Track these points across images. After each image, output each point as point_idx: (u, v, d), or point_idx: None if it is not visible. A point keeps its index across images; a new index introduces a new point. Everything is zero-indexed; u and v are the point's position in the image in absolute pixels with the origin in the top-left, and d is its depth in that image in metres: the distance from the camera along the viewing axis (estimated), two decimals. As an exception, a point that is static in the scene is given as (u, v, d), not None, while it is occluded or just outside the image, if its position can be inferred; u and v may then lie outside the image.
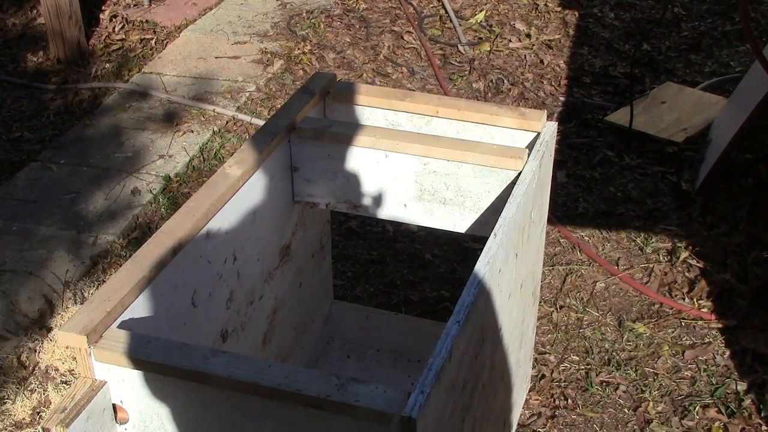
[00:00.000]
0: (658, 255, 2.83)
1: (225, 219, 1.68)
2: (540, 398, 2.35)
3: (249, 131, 3.51)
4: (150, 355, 1.31)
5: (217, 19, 4.38)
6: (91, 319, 1.35)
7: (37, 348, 2.48)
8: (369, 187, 1.90)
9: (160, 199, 3.10)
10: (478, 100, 3.69)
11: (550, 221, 2.83)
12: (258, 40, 4.18)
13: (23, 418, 2.30)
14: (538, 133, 1.85)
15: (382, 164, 1.85)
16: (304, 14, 4.38)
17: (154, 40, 4.19)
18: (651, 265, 2.79)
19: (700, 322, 2.58)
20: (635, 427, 2.27)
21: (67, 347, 2.41)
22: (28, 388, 2.37)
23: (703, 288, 2.68)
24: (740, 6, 2.74)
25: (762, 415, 2.27)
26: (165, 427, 1.39)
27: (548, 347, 2.51)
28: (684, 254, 2.81)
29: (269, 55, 4.03)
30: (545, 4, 4.43)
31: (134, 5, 4.48)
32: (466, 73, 3.90)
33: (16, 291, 2.64)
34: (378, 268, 2.82)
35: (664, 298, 2.66)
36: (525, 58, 4.01)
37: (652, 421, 2.28)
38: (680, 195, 3.10)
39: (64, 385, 2.38)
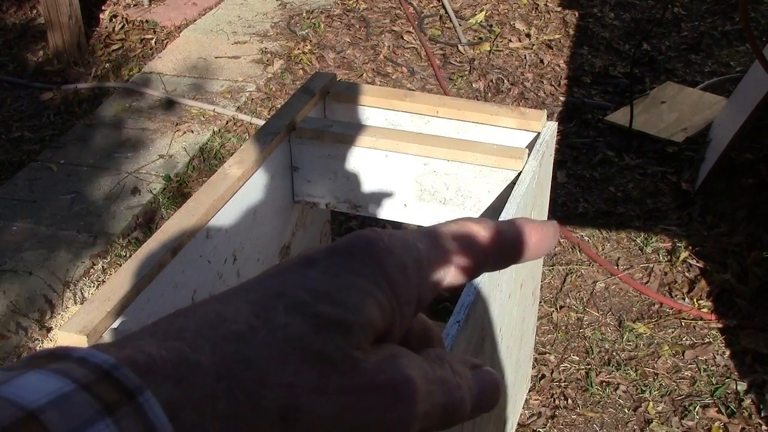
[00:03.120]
0: (658, 255, 2.83)
1: (225, 219, 1.68)
2: (540, 398, 2.35)
3: (249, 131, 3.51)
4: (150, 355, 1.31)
5: (217, 19, 4.38)
6: (91, 319, 1.35)
7: (37, 348, 2.48)
8: (369, 187, 1.90)
9: (160, 199, 3.10)
10: (478, 100, 3.69)
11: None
12: (258, 40, 4.18)
13: (23, 418, 2.30)
14: (538, 133, 1.85)
15: (382, 164, 1.85)
16: (304, 14, 4.38)
17: (154, 40, 4.19)
18: (651, 265, 2.79)
19: (700, 322, 2.58)
20: (635, 427, 2.27)
21: (67, 347, 2.40)
22: (28, 388, 2.37)
23: (703, 288, 2.68)
24: (740, 6, 2.74)
25: (762, 415, 2.27)
26: None
27: (548, 347, 2.51)
28: (684, 254, 2.81)
29: (269, 55, 4.03)
30: (545, 4, 4.42)
31: (134, 5, 4.48)
32: (466, 73, 3.90)
33: (16, 291, 2.64)
34: (378, 268, 2.82)
35: (664, 298, 2.66)
36: (525, 58, 4.01)
37: (652, 421, 2.28)
38: (680, 195, 3.10)
39: (64, 385, 2.38)
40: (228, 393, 0.32)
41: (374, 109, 1.98)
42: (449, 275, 0.40)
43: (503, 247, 0.41)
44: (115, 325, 1.39)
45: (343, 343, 0.34)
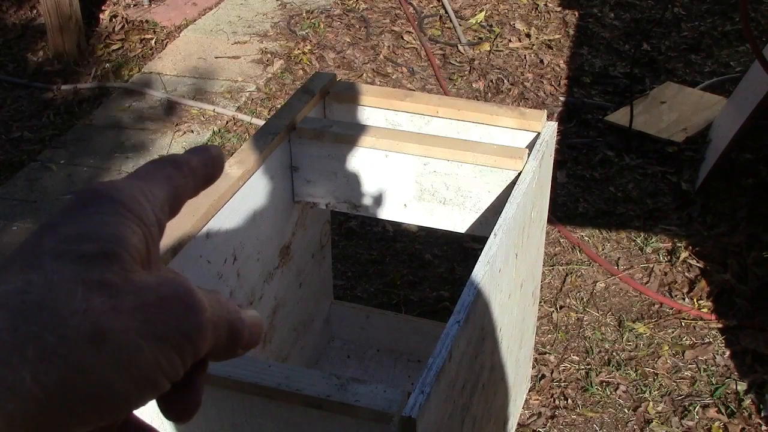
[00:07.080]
0: (658, 255, 2.83)
1: (225, 219, 1.68)
2: (540, 398, 2.35)
3: (249, 131, 3.51)
4: (150, 355, 1.31)
5: (217, 19, 4.38)
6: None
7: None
8: (369, 187, 1.90)
9: (160, 199, 3.09)
10: (478, 100, 3.69)
11: (550, 221, 2.83)
12: (258, 40, 4.18)
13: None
14: (538, 133, 1.85)
15: (382, 164, 1.85)
16: (304, 14, 4.38)
17: (154, 40, 4.19)
18: (651, 265, 2.79)
19: (700, 322, 2.58)
20: (635, 427, 2.27)
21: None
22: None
23: (703, 288, 2.69)
24: (740, 6, 2.74)
25: (762, 415, 2.27)
26: (164, 427, 1.39)
27: (548, 347, 2.51)
28: (684, 254, 2.81)
29: (269, 55, 4.03)
30: (545, 4, 4.42)
31: (134, 5, 4.48)
32: (466, 73, 3.90)
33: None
34: (378, 268, 2.82)
35: (664, 298, 2.66)
36: (525, 58, 4.01)
37: (652, 421, 2.28)
38: (680, 195, 3.10)
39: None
40: (32, 337, 0.35)
41: (374, 109, 1.98)
42: (166, 193, 0.44)
43: (194, 166, 0.46)
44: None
45: (118, 269, 0.38)
